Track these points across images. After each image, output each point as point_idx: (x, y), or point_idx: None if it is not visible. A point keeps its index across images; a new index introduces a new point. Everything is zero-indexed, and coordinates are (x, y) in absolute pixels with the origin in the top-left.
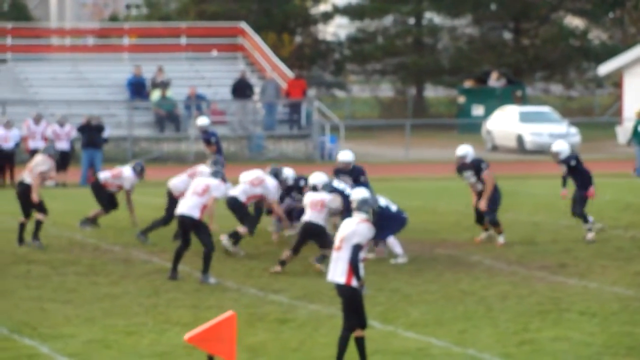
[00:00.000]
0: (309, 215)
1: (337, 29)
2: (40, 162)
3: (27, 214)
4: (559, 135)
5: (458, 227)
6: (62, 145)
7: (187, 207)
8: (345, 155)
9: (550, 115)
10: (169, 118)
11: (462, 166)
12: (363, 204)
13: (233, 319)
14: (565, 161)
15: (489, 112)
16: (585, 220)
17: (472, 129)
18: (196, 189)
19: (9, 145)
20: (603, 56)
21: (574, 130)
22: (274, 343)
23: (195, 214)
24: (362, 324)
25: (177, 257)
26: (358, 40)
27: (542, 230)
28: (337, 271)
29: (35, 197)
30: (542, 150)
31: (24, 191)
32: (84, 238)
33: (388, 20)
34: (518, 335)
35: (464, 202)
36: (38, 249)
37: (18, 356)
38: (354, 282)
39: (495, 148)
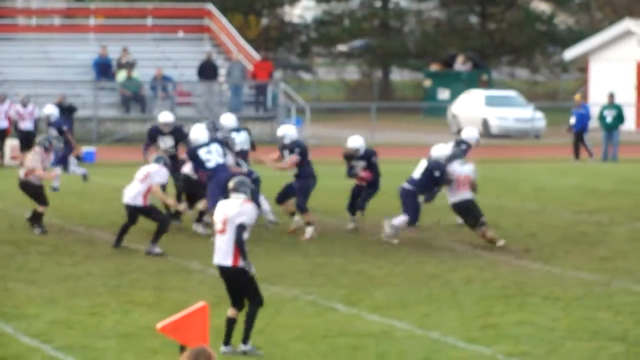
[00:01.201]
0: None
1: (304, 11)
2: (30, 158)
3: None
4: (524, 119)
5: (423, 211)
6: (26, 125)
7: (129, 196)
8: (355, 141)
9: (515, 100)
10: (134, 99)
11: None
12: (240, 185)
13: (205, 309)
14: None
15: (454, 95)
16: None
17: (437, 112)
18: (138, 176)
19: None
20: (569, 41)
21: (539, 114)
22: (238, 325)
23: (139, 201)
24: (259, 302)
25: (123, 231)
26: (324, 23)
27: (506, 214)
28: (222, 254)
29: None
30: (508, 135)
31: (22, 185)
32: (49, 218)
33: (354, 2)
34: (482, 319)
35: None
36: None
37: None
38: (241, 263)
39: (460, 132)
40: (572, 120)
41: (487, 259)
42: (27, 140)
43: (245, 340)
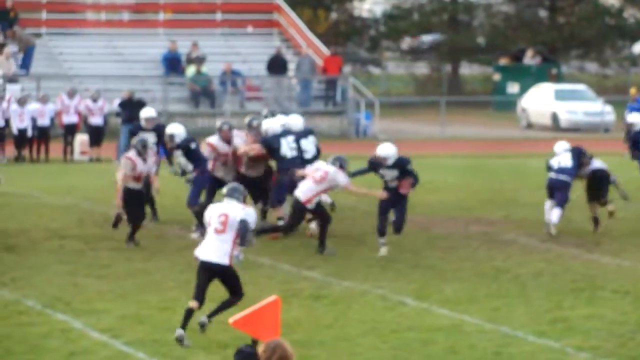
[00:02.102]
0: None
1: (373, 6)
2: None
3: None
4: (594, 113)
5: (492, 205)
6: (96, 120)
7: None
8: (384, 149)
9: (585, 94)
10: (203, 94)
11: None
12: (234, 192)
13: (277, 303)
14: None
15: (524, 89)
16: None
17: (507, 106)
18: None
19: (44, 120)
20: (638, 34)
21: (608, 108)
22: (308, 319)
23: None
24: (240, 295)
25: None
26: (393, 17)
27: (576, 207)
28: (219, 252)
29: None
30: (577, 129)
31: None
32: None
33: None
34: (551, 313)
35: (499, 179)
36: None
37: (51, 331)
38: (232, 262)
39: (530, 126)
40: (630, 117)
41: (556, 253)
42: (96, 135)
43: (210, 315)
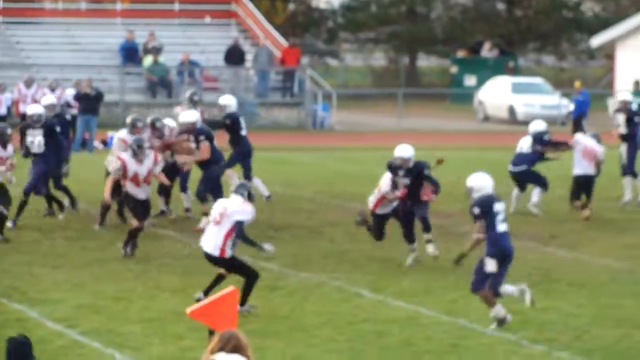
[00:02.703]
0: None
1: None
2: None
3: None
4: (551, 106)
5: (449, 198)
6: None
7: None
8: (403, 151)
9: (542, 87)
10: (161, 84)
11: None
12: (240, 187)
13: (235, 294)
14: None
15: (481, 82)
16: None
17: (464, 99)
18: None
19: (1, 109)
20: (596, 28)
21: (565, 101)
22: (265, 310)
23: None
24: (254, 277)
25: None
26: (351, 9)
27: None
28: (211, 245)
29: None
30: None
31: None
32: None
33: None
34: (508, 306)
35: (455, 172)
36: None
37: (6, 320)
38: (227, 254)
39: (487, 118)
40: (572, 107)
41: (513, 246)
42: None
43: (242, 303)
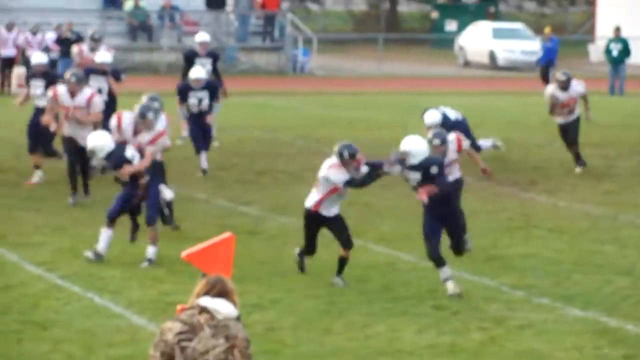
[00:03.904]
0: None
1: None
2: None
3: None
4: (531, 52)
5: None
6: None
7: None
8: (412, 144)
9: (523, 32)
10: (141, 28)
11: None
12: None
13: (231, 240)
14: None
15: (462, 27)
16: None
17: (444, 44)
18: None
19: None
20: None
21: None
22: (244, 255)
23: None
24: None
25: None
26: None
27: (512, 146)
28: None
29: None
30: (514, 67)
31: None
32: (55, 148)
33: None
34: (487, 252)
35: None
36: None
37: None
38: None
39: (467, 64)
40: (540, 53)
41: (492, 191)
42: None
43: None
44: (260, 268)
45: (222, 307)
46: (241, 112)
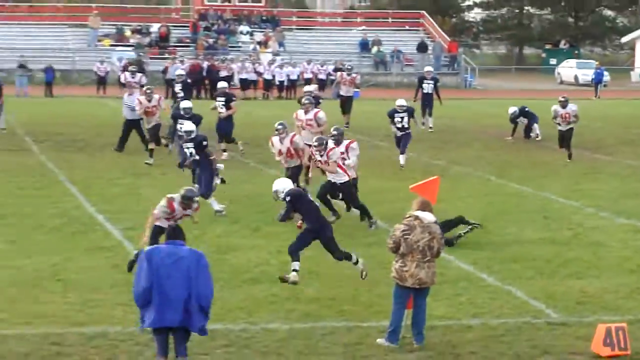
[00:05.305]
0: None
1: (475, 15)
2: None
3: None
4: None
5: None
6: None
7: None
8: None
9: (592, 65)
10: (381, 63)
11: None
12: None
13: (437, 181)
14: None
15: (559, 62)
16: None
17: (549, 72)
18: None
19: None
20: (624, 31)
21: (606, 73)
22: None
23: None
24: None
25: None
26: (486, 21)
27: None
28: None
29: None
30: (588, 84)
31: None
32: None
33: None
34: (571, 188)
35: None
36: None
37: None
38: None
39: (561, 82)
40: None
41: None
42: None
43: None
44: None
45: (427, 216)
46: (448, 110)
